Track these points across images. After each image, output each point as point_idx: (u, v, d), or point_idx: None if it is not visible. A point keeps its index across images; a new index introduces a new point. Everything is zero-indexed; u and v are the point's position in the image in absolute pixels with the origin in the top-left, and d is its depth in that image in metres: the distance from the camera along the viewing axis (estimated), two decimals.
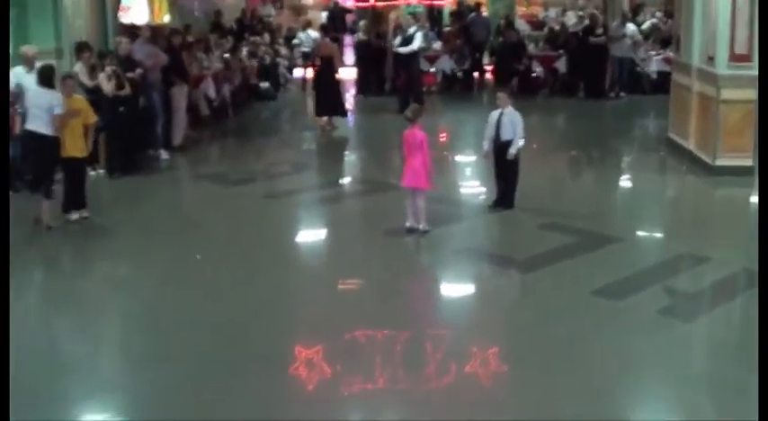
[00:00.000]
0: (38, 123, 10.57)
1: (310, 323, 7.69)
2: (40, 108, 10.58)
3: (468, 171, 14.33)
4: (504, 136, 10.72)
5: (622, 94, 20.97)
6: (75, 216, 10.64)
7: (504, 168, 10.89)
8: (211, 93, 17.69)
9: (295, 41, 24.92)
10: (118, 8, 16.71)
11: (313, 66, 19.80)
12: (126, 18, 16.23)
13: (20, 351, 6.43)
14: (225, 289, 8.50)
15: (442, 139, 16.68)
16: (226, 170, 14.20)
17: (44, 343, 7.46)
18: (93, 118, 10.89)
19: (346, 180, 13.93)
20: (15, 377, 5.59)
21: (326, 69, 17.05)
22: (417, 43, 18.63)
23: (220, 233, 10.47)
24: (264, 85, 21.46)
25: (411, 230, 9.92)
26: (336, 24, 24.80)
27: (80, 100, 10.90)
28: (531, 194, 11.13)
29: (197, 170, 14.21)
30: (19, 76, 12.33)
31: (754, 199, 12.31)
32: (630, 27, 21.28)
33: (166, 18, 19.37)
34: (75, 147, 10.59)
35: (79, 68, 12.82)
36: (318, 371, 6.56)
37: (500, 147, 10.78)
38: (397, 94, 19.69)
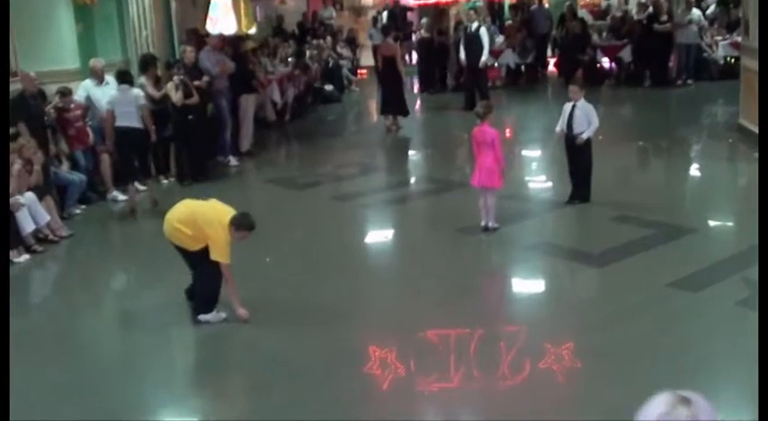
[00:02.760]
0: (128, 119, 11.51)
1: (383, 323, 7.70)
2: (127, 105, 11.47)
3: (537, 166, 14.25)
4: (577, 128, 10.55)
5: (690, 81, 20.67)
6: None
7: (577, 162, 10.78)
8: (276, 97, 17.84)
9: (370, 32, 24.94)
10: (204, 18, 16.88)
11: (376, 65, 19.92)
12: (213, 29, 16.37)
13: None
14: (296, 290, 8.55)
15: (508, 135, 16.60)
16: (294, 174, 14.32)
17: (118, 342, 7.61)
18: None
19: (414, 180, 13.93)
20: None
21: (389, 69, 17.06)
22: (487, 44, 18.53)
23: (291, 236, 10.53)
24: (328, 87, 21.57)
25: (485, 229, 9.87)
26: (398, 23, 24.80)
27: None
28: (602, 187, 10.99)
29: (265, 174, 14.32)
30: (88, 88, 12.60)
31: None
32: (696, 12, 20.96)
33: (252, 29, 19.53)
34: None
35: (144, 80, 13.00)
36: (392, 370, 6.57)
37: (572, 140, 10.66)
38: (461, 90, 19.66)
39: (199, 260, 7.64)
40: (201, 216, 7.53)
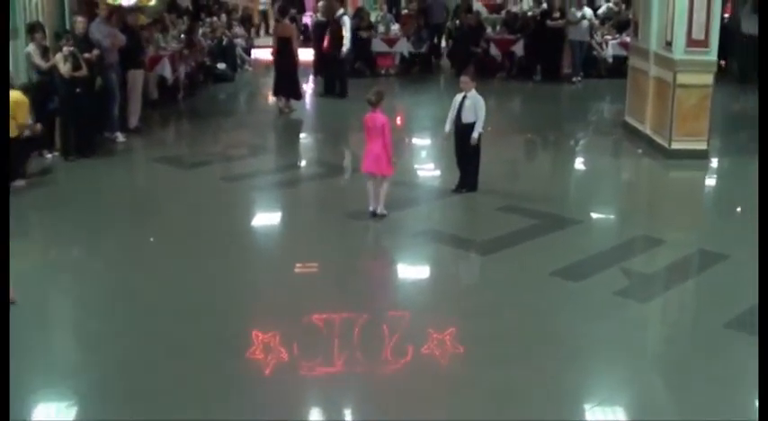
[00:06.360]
0: None
1: (267, 306, 7.64)
2: None
3: (426, 154, 14.35)
4: (466, 119, 10.66)
5: (579, 77, 21.08)
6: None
7: (465, 151, 10.87)
8: (167, 73, 17.52)
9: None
10: None
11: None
12: None
13: None
14: (179, 272, 8.41)
15: (399, 123, 16.66)
16: (182, 152, 14.11)
17: None
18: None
19: (304, 163, 13.85)
20: None
21: (284, 50, 16.93)
22: (348, 33, 18.73)
23: (176, 216, 10.39)
24: (221, 66, 21.31)
25: (373, 214, 9.88)
26: (295, 4, 24.64)
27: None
28: (489, 177, 11.14)
29: (153, 152, 14.02)
30: None
31: (709, 182, 12.56)
32: (587, 11, 21.38)
33: (152, 1, 19.03)
34: None
35: (32, 50, 12.64)
36: (275, 354, 6.53)
37: (461, 130, 10.75)
38: (353, 76, 19.73)
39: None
40: None
